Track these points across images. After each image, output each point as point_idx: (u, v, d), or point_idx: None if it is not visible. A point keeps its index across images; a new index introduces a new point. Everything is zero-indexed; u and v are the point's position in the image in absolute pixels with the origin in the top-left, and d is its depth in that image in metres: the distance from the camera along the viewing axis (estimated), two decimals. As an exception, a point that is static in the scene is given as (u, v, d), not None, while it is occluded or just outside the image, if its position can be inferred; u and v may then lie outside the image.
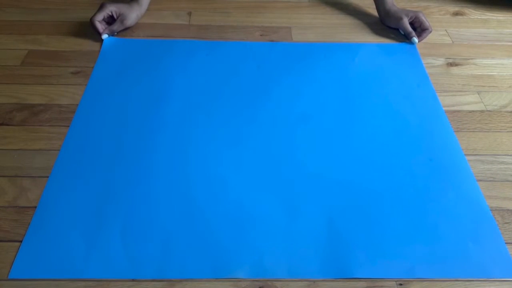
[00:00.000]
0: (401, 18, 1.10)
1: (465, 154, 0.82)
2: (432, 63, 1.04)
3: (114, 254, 0.66)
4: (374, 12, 1.18)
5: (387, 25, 1.14)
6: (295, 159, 0.80)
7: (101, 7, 1.05)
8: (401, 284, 0.64)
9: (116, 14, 1.06)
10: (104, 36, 1.05)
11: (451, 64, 1.04)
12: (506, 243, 0.69)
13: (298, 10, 1.21)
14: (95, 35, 1.06)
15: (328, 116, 0.89)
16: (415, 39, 1.08)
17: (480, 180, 0.78)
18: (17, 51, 1.02)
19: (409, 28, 1.09)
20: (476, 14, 1.23)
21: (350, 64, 1.02)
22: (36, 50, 1.02)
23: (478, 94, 0.96)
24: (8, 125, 0.84)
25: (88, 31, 1.07)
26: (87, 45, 1.05)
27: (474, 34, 1.15)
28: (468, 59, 1.06)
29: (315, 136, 0.85)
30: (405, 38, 1.10)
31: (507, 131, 0.88)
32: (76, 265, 0.64)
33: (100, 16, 1.04)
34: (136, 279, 0.64)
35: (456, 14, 1.22)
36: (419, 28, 1.10)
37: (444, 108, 0.92)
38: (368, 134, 0.85)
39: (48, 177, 0.75)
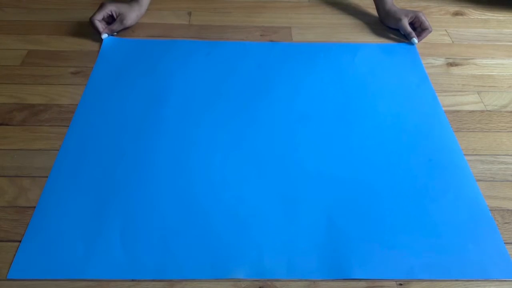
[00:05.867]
0: (400, 19, 1.10)
1: (465, 154, 0.82)
2: (432, 63, 1.04)
3: (114, 254, 0.66)
4: (374, 12, 1.18)
5: (387, 25, 1.14)
6: (295, 159, 0.80)
7: (101, 7, 1.05)
8: (401, 284, 0.64)
9: (116, 14, 1.06)
10: (104, 36, 1.05)
11: (451, 64, 1.04)
12: (505, 243, 0.69)
13: (298, 10, 1.21)
14: (95, 35, 1.06)
15: (328, 116, 0.89)
16: (415, 40, 1.08)
17: (480, 180, 0.78)
18: (17, 51, 1.02)
19: (409, 29, 1.09)
20: (476, 14, 1.23)
21: (350, 64, 1.02)
22: (36, 50, 1.02)
23: (478, 94, 0.96)
24: (8, 125, 0.84)
25: (88, 31, 1.07)
26: (87, 45, 1.05)
27: (474, 34, 1.15)
28: (468, 59, 1.06)
29: (315, 136, 0.85)
30: (405, 38, 1.10)
31: (507, 131, 0.88)
32: (75, 265, 0.64)
33: (100, 16, 1.04)
34: (136, 279, 0.64)
35: (456, 14, 1.22)
36: (419, 28, 1.10)
37: (444, 108, 0.92)
38: (368, 135, 0.85)
39: (48, 177, 0.75)
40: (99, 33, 1.05)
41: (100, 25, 1.05)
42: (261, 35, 1.10)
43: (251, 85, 0.95)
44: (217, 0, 1.22)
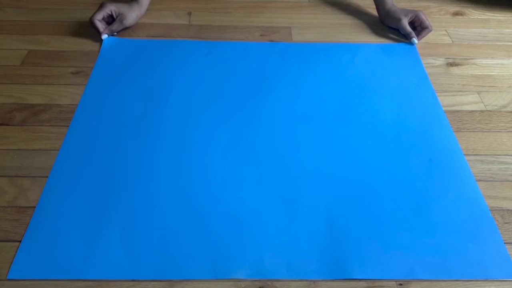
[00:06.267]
0: (400, 19, 1.10)
1: (465, 154, 0.82)
2: (432, 63, 1.04)
3: (114, 254, 0.66)
4: (374, 12, 1.18)
5: (387, 25, 1.14)
6: (295, 159, 0.80)
7: (101, 6, 1.05)
8: (401, 284, 0.64)
9: (116, 14, 1.06)
10: (104, 36, 1.05)
11: (451, 64, 1.04)
12: (505, 243, 0.69)
13: (298, 10, 1.21)
14: (95, 35, 1.06)
15: (328, 116, 0.89)
16: (415, 40, 1.08)
17: (480, 180, 0.78)
18: (17, 51, 1.02)
19: (409, 29, 1.09)
20: (476, 14, 1.23)
21: (350, 64, 1.02)
22: (36, 50, 1.02)
23: (478, 94, 0.96)
24: (8, 125, 0.84)
25: (88, 31, 1.07)
26: (87, 45, 1.05)
27: (474, 34, 1.15)
28: (468, 59, 1.06)
29: (315, 136, 0.85)
30: (405, 38, 1.10)
31: (507, 131, 0.88)
32: (75, 265, 0.64)
33: (99, 15, 1.04)
34: (135, 279, 0.64)
35: (456, 14, 1.22)
36: (419, 27, 1.10)
37: (444, 108, 0.92)
38: (368, 135, 0.85)
39: (48, 177, 0.75)
40: (99, 33, 1.05)
41: (100, 25, 1.05)
42: (261, 35, 1.10)
43: (251, 85, 0.95)
44: (217, 0, 1.22)
